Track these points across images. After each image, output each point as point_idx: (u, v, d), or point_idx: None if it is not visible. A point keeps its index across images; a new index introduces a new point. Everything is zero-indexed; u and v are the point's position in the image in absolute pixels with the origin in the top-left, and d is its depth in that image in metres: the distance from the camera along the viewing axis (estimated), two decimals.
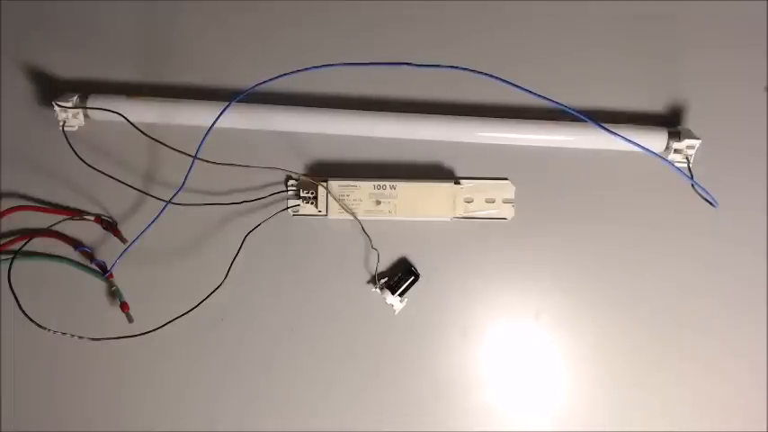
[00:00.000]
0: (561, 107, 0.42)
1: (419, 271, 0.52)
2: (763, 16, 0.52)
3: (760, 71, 0.52)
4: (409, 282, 0.52)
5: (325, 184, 0.50)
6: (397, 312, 0.52)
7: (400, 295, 0.51)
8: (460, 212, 0.52)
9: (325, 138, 0.51)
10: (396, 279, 0.52)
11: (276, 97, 0.50)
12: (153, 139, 0.48)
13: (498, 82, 0.42)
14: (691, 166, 0.49)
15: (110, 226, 0.51)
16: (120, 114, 0.48)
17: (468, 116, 0.51)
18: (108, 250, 0.51)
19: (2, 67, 0.51)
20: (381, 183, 0.50)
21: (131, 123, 0.48)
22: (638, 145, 0.44)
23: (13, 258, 0.49)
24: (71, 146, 0.48)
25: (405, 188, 0.50)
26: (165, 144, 0.48)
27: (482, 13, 0.52)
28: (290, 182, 0.52)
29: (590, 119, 0.43)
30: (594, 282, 0.53)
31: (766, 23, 0.52)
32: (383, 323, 0.53)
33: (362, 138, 0.51)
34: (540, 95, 0.42)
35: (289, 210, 0.52)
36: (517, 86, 0.41)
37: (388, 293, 0.51)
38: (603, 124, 0.44)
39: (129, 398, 0.53)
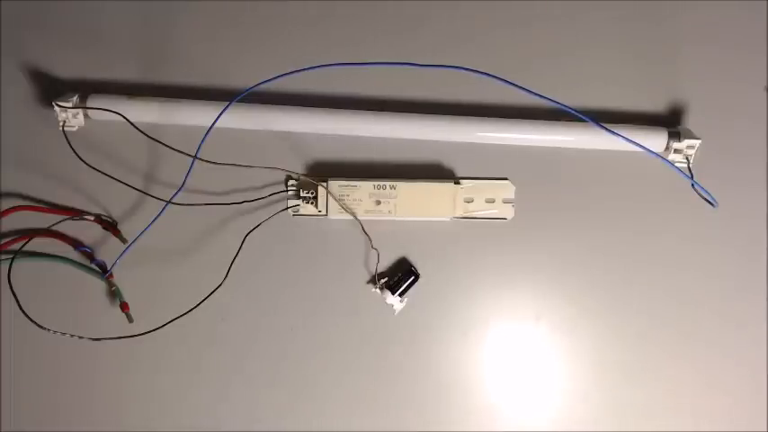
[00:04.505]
0: (561, 107, 0.42)
1: (419, 271, 0.52)
2: (763, 16, 0.52)
3: (760, 71, 0.52)
4: (409, 282, 0.52)
5: (325, 184, 0.50)
6: (396, 312, 0.52)
7: (400, 295, 0.51)
8: (460, 212, 0.52)
9: (325, 138, 0.51)
10: (396, 279, 0.52)
11: (276, 97, 0.50)
12: (153, 139, 0.48)
13: (499, 82, 0.41)
14: (691, 166, 0.49)
15: (110, 226, 0.51)
16: (120, 114, 0.48)
17: (468, 116, 0.51)
18: (108, 250, 0.51)
19: (2, 67, 0.51)
20: (381, 183, 0.50)
21: (131, 123, 0.48)
22: (639, 145, 0.44)
23: (13, 258, 0.48)
24: (71, 146, 0.48)
25: (405, 188, 0.50)
26: (165, 144, 0.48)
27: (482, 13, 0.52)
28: (290, 182, 0.52)
29: (590, 119, 0.43)
30: (594, 281, 0.53)
31: (766, 23, 0.52)
32: (383, 323, 0.53)
33: (362, 138, 0.51)
34: (540, 95, 0.42)
35: (289, 210, 0.52)
36: (517, 86, 0.41)
37: (388, 293, 0.51)
38: (603, 124, 0.44)
39: (129, 398, 0.53)
